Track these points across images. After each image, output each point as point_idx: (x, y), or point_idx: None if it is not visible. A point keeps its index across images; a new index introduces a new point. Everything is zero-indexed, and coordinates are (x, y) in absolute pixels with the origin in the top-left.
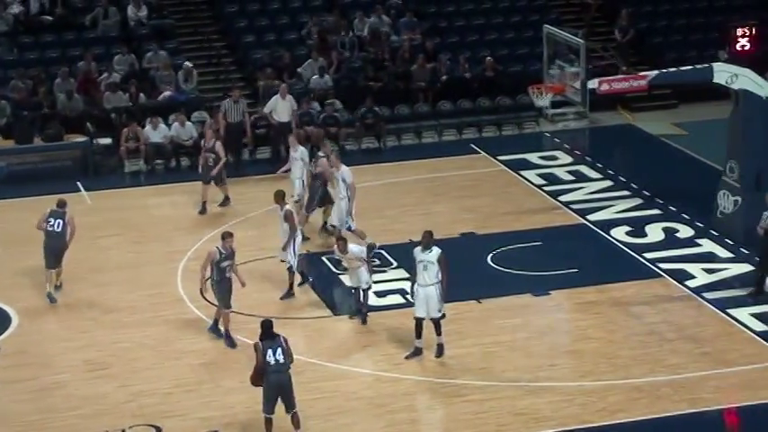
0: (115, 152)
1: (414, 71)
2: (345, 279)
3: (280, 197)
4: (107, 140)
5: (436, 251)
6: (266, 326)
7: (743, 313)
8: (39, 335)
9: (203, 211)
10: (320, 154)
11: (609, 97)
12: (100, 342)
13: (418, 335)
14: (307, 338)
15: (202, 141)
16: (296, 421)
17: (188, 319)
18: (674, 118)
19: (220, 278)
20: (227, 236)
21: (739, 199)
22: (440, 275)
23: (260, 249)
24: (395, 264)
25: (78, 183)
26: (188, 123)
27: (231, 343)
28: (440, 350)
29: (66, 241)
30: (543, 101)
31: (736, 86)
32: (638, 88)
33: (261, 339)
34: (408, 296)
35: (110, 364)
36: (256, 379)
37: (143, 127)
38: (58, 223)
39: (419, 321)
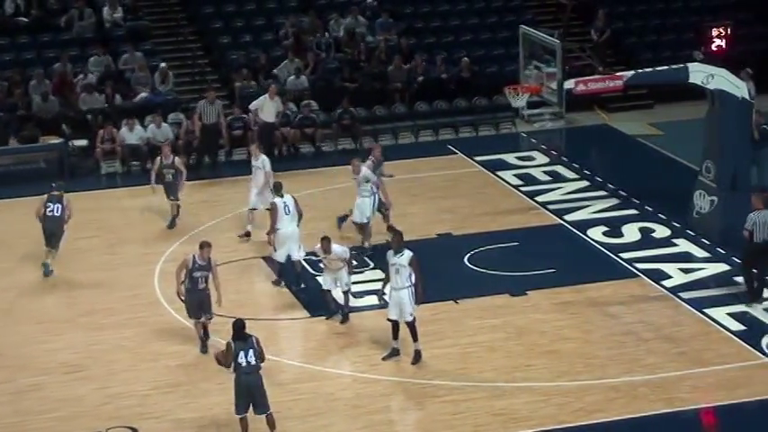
0: (91, 154)
1: (390, 72)
2: (321, 280)
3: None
4: (83, 142)
5: (407, 254)
6: (238, 326)
7: (719, 313)
8: (15, 337)
9: (173, 225)
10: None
11: (585, 98)
12: (76, 344)
13: (395, 336)
14: (284, 340)
15: (158, 159)
16: (271, 422)
17: (165, 321)
18: (651, 118)
19: (191, 287)
20: (204, 245)
21: (715, 199)
22: (412, 278)
23: (236, 251)
24: (372, 264)
25: (54, 185)
26: (164, 125)
27: (203, 348)
28: (416, 357)
29: (64, 225)
30: (520, 101)
31: (711, 86)
32: (615, 88)
33: (233, 339)
34: (385, 297)
35: (86, 366)
36: (222, 359)
37: (119, 129)
38: (57, 207)
39: (394, 323)
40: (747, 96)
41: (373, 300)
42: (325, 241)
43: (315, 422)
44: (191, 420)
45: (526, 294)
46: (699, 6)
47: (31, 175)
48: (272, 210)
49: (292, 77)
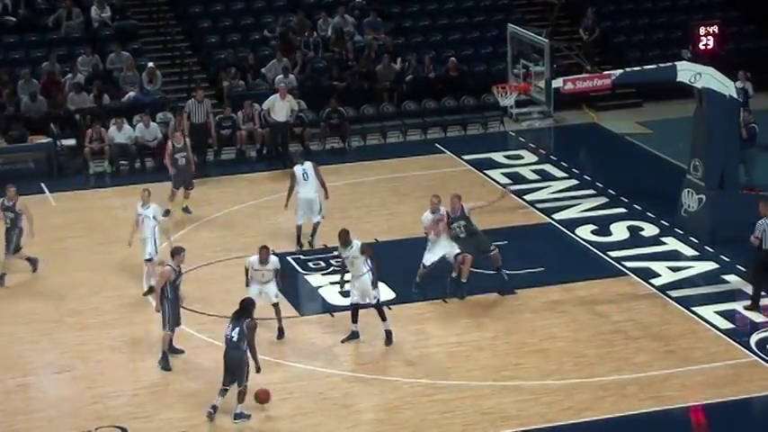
0: (79, 153)
1: (379, 71)
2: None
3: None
4: (71, 142)
5: (356, 244)
6: (243, 303)
7: (708, 311)
8: (2, 337)
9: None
10: None
11: (573, 96)
12: (64, 344)
13: (354, 320)
14: (272, 339)
15: (170, 143)
16: (240, 395)
17: (153, 320)
18: (639, 117)
19: (174, 296)
20: (180, 251)
21: (703, 197)
22: (369, 264)
23: (224, 251)
24: None
25: (42, 184)
26: (153, 124)
27: (166, 364)
28: (388, 337)
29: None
30: (508, 100)
31: (699, 85)
32: (603, 87)
33: (234, 315)
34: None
35: (75, 366)
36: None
37: (107, 128)
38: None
39: (354, 308)
40: (735, 95)
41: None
42: (264, 250)
43: (303, 421)
44: (179, 420)
45: (515, 293)
46: (687, 5)
47: (19, 174)
48: (291, 176)
49: (280, 77)
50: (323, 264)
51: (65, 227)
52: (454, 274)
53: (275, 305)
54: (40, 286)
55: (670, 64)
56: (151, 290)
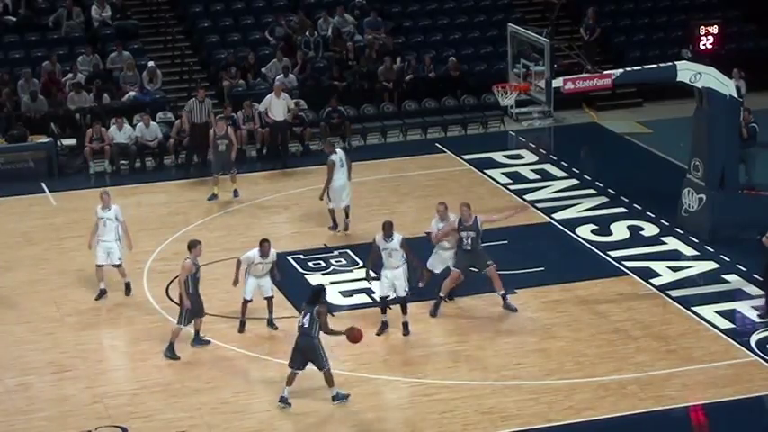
0: (79, 153)
1: (379, 71)
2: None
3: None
4: (71, 141)
5: (397, 237)
6: (314, 291)
7: (708, 311)
8: (3, 337)
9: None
10: None
11: (574, 96)
12: (64, 343)
13: (383, 311)
14: (273, 339)
15: (212, 131)
16: (327, 379)
17: (153, 320)
18: (639, 116)
19: (195, 290)
20: (196, 244)
21: (704, 197)
22: (404, 258)
23: (224, 251)
24: (360, 263)
25: (43, 184)
26: (153, 124)
27: (173, 354)
28: (406, 328)
29: None
30: (508, 100)
31: (699, 85)
32: (603, 87)
33: (305, 302)
34: (369, 282)
35: (75, 365)
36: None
37: (107, 128)
38: None
39: (383, 300)
40: (735, 94)
41: (363, 298)
42: (266, 244)
43: (304, 421)
44: (180, 419)
45: (515, 293)
46: (687, 5)
47: (19, 174)
48: (330, 166)
49: (280, 76)
50: (323, 263)
51: (65, 226)
52: (442, 294)
53: (270, 298)
54: (40, 286)
55: (670, 63)
56: (128, 288)
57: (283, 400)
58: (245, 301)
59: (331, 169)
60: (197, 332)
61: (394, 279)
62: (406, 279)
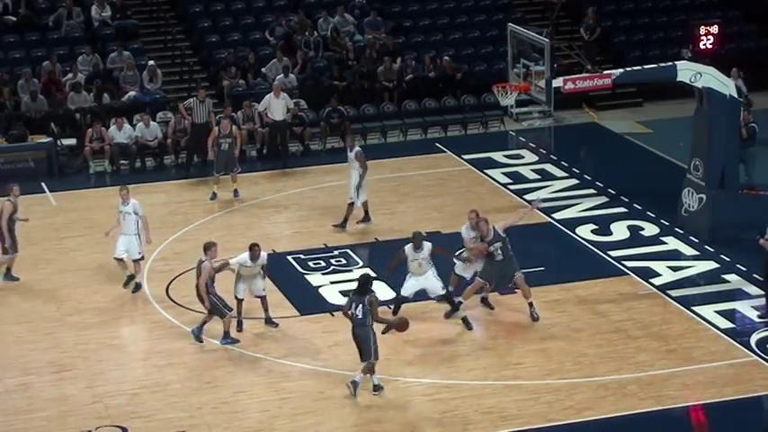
0: (79, 153)
1: (379, 71)
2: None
3: None
4: (71, 141)
5: (427, 247)
6: (361, 281)
7: (708, 311)
8: (3, 336)
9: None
10: None
11: (574, 96)
12: (65, 343)
13: (396, 311)
14: (273, 338)
15: (215, 129)
16: (366, 369)
17: (154, 320)
18: (639, 116)
19: (214, 288)
20: (212, 246)
21: (704, 197)
22: (431, 263)
23: (225, 250)
24: (360, 263)
25: (43, 184)
26: (153, 123)
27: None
28: (466, 324)
29: None
30: (508, 99)
31: (699, 85)
32: (603, 87)
33: (352, 292)
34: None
35: (75, 365)
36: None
37: (107, 128)
38: None
39: (400, 299)
40: (735, 94)
41: None
42: (257, 248)
43: (304, 420)
44: (180, 419)
45: (515, 293)
46: (687, 4)
47: (19, 174)
48: (362, 157)
49: (281, 76)
50: (323, 263)
51: (65, 226)
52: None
53: (263, 297)
54: (40, 286)
55: (670, 63)
56: (131, 280)
57: (377, 388)
58: (239, 300)
59: (364, 160)
60: (226, 331)
61: (425, 284)
62: (438, 277)
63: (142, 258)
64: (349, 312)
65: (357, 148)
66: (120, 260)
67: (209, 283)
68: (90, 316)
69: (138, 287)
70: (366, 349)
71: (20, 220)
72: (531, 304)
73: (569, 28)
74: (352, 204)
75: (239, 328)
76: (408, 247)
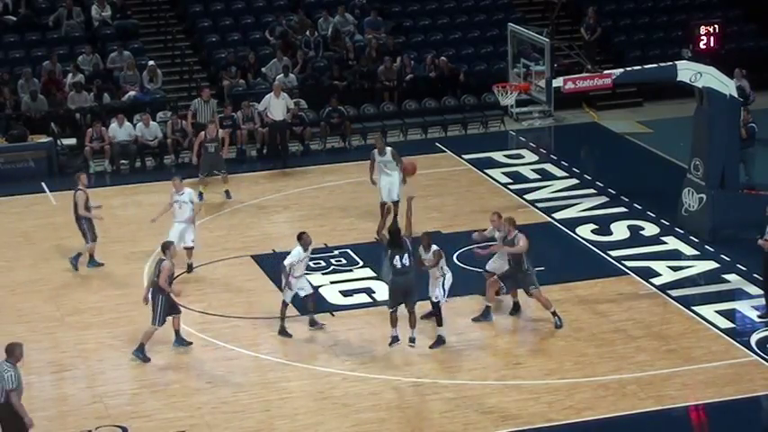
0: (79, 153)
1: (379, 70)
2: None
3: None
4: (71, 141)
5: (434, 249)
6: (393, 233)
7: (708, 311)
8: (3, 336)
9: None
10: None
11: (574, 96)
12: (64, 343)
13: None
14: (273, 338)
15: (202, 133)
16: (412, 321)
17: None
18: (639, 116)
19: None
20: (170, 245)
21: (704, 196)
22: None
23: (224, 250)
24: (360, 263)
25: (43, 183)
26: (153, 123)
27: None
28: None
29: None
30: (508, 99)
31: (699, 84)
32: (604, 86)
33: (389, 246)
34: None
35: (75, 365)
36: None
37: (107, 127)
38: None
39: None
40: (735, 94)
41: (363, 298)
42: (306, 234)
43: (304, 420)
44: (180, 419)
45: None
46: (687, 4)
47: (19, 174)
48: (398, 154)
49: (281, 76)
50: (323, 263)
51: (65, 226)
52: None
53: (309, 296)
54: (40, 285)
55: (671, 63)
56: (191, 268)
57: (395, 339)
58: (285, 305)
59: (401, 164)
60: (177, 332)
61: (434, 282)
62: (441, 287)
63: (192, 248)
64: (394, 264)
65: (389, 148)
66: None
67: (165, 285)
68: (90, 316)
69: (190, 268)
70: (411, 296)
71: (94, 208)
72: (554, 313)
73: (569, 28)
74: (386, 205)
75: (284, 332)
76: (420, 249)
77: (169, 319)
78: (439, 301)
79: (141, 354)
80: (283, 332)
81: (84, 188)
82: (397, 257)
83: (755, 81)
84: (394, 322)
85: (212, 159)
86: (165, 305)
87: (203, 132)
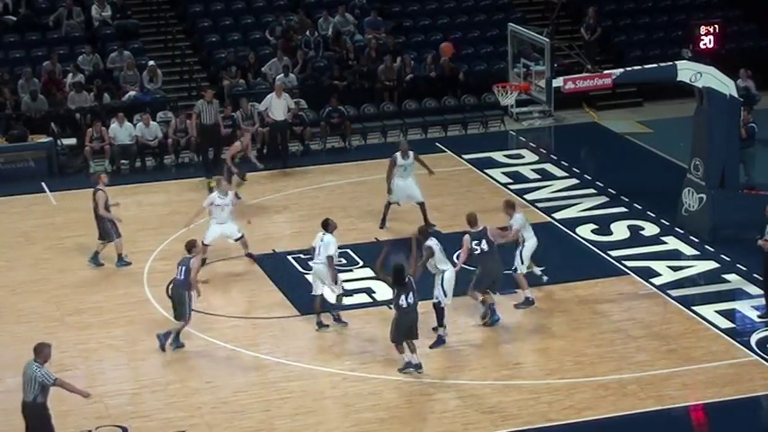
0: (79, 153)
1: (380, 70)
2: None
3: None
4: (71, 141)
5: (426, 244)
6: (397, 272)
7: (708, 310)
8: (3, 336)
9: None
10: None
11: (574, 96)
12: (65, 343)
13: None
14: (273, 338)
15: (238, 144)
16: (412, 347)
17: (154, 320)
18: (639, 116)
19: None
20: (197, 242)
21: (704, 196)
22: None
23: (225, 249)
24: (360, 263)
25: (43, 183)
26: (153, 123)
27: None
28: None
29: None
30: (509, 99)
31: (699, 84)
32: (604, 86)
33: (394, 285)
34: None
35: (75, 365)
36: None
37: (107, 127)
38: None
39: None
40: (735, 94)
41: (363, 297)
42: (330, 221)
43: (304, 420)
44: (180, 419)
45: (515, 292)
46: (687, 4)
47: (19, 174)
48: (421, 157)
49: (281, 76)
50: None
51: (65, 226)
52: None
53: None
54: (40, 285)
55: (671, 63)
56: (251, 256)
57: (409, 365)
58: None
59: (422, 160)
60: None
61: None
62: (441, 287)
63: (242, 237)
64: (400, 304)
65: (412, 152)
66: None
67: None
68: (90, 316)
69: (252, 257)
70: (417, 329)
71: (112, 206)
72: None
73: (569, 28)
74: (392, 204)
75: (323, 326)
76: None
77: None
78: (440, 302)
79: (176, 341)
80: (322, 324)
81: (104, 188)
82: (403, 297)
83: (755, 81)
84: (402, 351)
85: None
86: (190, 302)
87: (238, 142)
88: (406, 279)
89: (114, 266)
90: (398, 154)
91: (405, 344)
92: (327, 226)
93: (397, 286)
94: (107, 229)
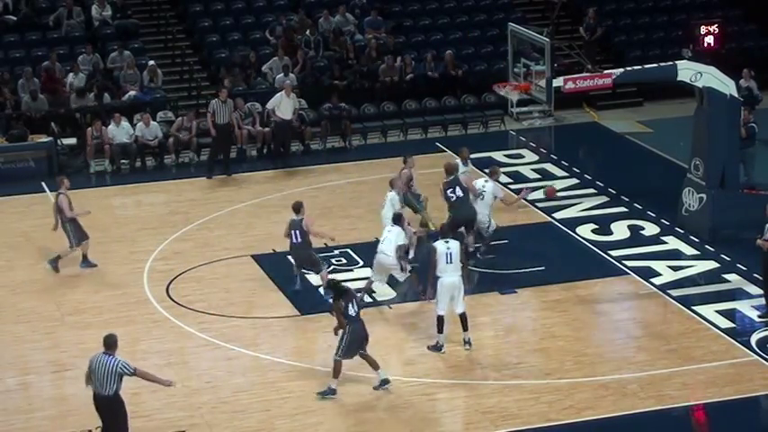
0: (79, 152)
1: (380, 70)
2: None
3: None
4: (72, 141)
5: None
6: (334, 287)
7: (708, 310)
8: (3, 336)
9: None
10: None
11: (574, 95)
12: (65, 343)
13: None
14: (273, 338)
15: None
16: (373, 362)
17: (154, 320)
18: (640, 116)
19: None
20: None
21: (704, 196)
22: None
23: (225, 249)
24: (361, 263)
25: (43, 183)
26: (153, 123)
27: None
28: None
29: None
30: (512, 95)
31: (700, 84)
32: (604, 86)
33: (336, 300)
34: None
35: (75, 365)
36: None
37: (107, 126)
38: None
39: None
40: (736, 94)
41: (363, 298)
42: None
43: (304, 420)
44: (180, 419)
45: (515, 292)
46: (688, 4)
47: (19, 174)
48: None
49: (281, 75)
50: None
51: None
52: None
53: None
54: (40, 285)
55: (671, 63)
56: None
57: (333, 391)
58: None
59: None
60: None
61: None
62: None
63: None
64: (349, 314)
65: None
66: None
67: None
68: (90, 316)
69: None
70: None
71: (84, 214)
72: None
73: (570, 28)
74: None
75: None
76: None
77: None
78: (441, 315)
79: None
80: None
81: (65, 191)
82: (350, 305)
83: (755, 81)
84: (337, 373)
85: None
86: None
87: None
88: (345, 288)
89: (115, 267)
90: (458, 161)
91: (365, 360)
92: (401, 220)
93: (341, 298)
94: (68, 233)
